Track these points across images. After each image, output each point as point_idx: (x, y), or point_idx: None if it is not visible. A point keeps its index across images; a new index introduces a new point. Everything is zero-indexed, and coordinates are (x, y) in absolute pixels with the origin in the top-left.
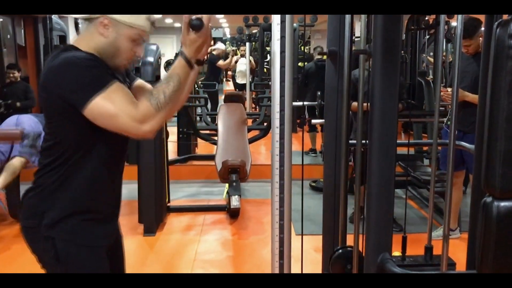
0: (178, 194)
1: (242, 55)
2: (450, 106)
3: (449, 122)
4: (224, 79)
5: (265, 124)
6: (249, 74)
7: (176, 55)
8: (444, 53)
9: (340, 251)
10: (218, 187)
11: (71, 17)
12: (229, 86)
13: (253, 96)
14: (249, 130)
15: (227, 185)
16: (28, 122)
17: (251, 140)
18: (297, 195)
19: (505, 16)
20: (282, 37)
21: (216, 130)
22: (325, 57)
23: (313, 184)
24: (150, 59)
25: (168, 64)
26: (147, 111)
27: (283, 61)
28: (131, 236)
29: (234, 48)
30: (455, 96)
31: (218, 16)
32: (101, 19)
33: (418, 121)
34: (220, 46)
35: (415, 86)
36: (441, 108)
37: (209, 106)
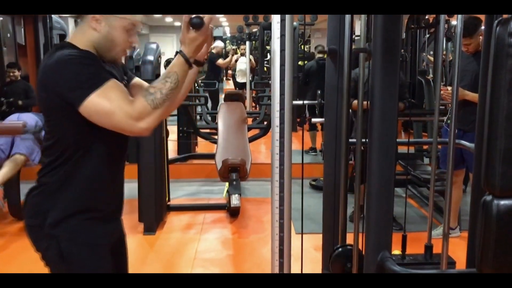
0: (178, 193)
1: (242, 54)
2: (450, 105)
3: (449, 121)
4: (224, 78)
5: (265, 123)
6: (249, 73)
7: (176, 53)
8: (444, 52)
9: (340, 249)
10: (218, 186)
11: (71, 16)
12: (229, 85)
13: (253, 95)
14: (249, 129)
15: (227, 184)
16: (30, 120)
17: (251, 139)
18: (297, 194)
19: (505, 15)
20: (282, 35)
21: (216, 129)
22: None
23: (313, 183)
24: (150, 57)
25: (168, 63)
26: (143, 108)
27: (283, 59)
28: (131, 235)
29: (234, 47)
30: (455, 95)
31: (218, 15)
32: (92, 14)
33: (418, 120)
34: (218, 44)
35: (415, 85)
36: (441, 107)
37: (209, 105)
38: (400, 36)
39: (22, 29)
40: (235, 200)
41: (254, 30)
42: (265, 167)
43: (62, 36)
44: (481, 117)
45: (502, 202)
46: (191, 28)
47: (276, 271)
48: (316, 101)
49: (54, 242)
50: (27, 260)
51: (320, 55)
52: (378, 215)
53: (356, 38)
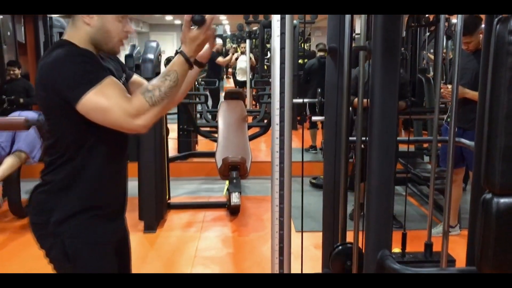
0: (179, 191)
1: (243, 52)
2: (450, 103)
3: (449, 119)
4: (225, 76)
5: (265, 121)
6: (249, 71)
7: (176, 53)
8: (445, 50)
9: (340, 247)
10: (219, 184)
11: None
12: (229, 83)
13: (254, 93)
14: (249, 127)
15: (227, 182)
16: (31, 117)
17: (251, 137)
18: (297, 192)
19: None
20: (282, 33)
21: (216, 127)
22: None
23: (313, 181)
24: (150, 56)
25: (169, 61)
26: (140, 105)
27: (283, 57)
28: (132, 233)
29: (234, 45)
30: (455, 93)
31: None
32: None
33: (418, 118)
34: (217, 41)
35: (416, 83)
36: (441, 105)
37: (210, 103)
38: (400, 34)
39: (22, 27)
40: (235, 198)
41: (254, 28)
42: (265, 165)
43: (62, 34)
44: (481, 115)
45: (502, 200)
46: (192, 26)
47: (276, 269)
48: (316, 99)
49: (58, 240)
50: (28, 257)
51: (322, 53)
52: (378, 213)
53: (356, 36)
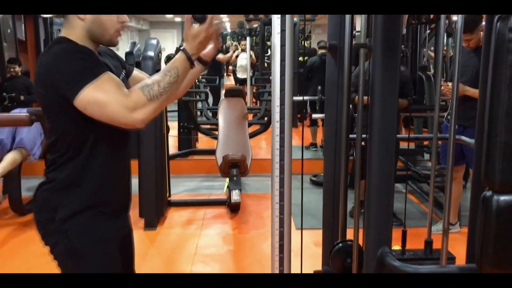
0: (179, 189)
1: (243, 50)
2: (450, 101)
3: (449, 117)
4: (225, 74)
5: (265, 118)
6: (249, 68)
7: (177, 50)
8: (445, 48)
9: (340, 245)
10: (219, 182)
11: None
12: (229, 81)
13: (254, 90)
14: (250, 124)
15: (227, 179)
16: None
17: (252, 135)
18: (297, 189)
19: None
20: (283, 30)
21: (216, 124)
22: None
23: (314, 178)
24: (151, 53)
25: (169, 58)
26: (138, 99)
27: (283, 55)
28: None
29: (235, 43)
30: (455, 91)
31: None
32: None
33: (418, 115)
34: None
35: (416, 80)
36: (441, 103)
37: (211, 100)
38: (401, 32)
39: (23, 25)
40: (235, 196)
41: (255, 25)
42: (266, 163)
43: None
44: (482, 112)
45: (502, 197)
46: (193, 23)
47: (277, 266)
48: (316, 97)
49: (62, 237)
50: (30, 254)
51: (323, 51)
52: (378, 210)
53: (356, 34)
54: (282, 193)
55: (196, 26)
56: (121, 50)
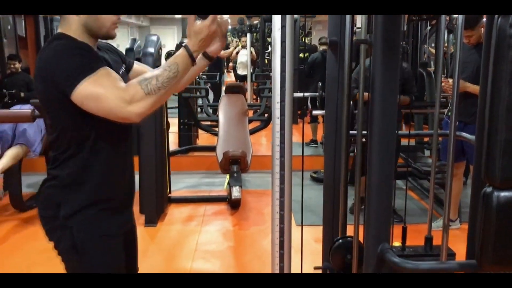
0: (179, 185)
1: (243, 46)
2: (451, 97)
3: (450, 113)
4: (225, 70)
5: (266, 115)
6: (250, 65)
7: (178, 46)
8: (446, 44)
9: (340, 241)
10: (219, 178)
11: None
12: (230, 77)
13: (254, 87)
14: (250, 121)
15: (228, 176)
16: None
17: (252, 131)
18: (298, 186)
19: None
20: (283, 27)
21: (217, 121)
22: None
23: (314, 175)
24: (151, 50)
25: (169, 55)
26: (135, 92)
27: (284, 51)
28: None
29: (236, 39)
30: (456, 87)
31: None
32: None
33: (419, 112)
34: None
35: (417, 77)
36: (442, 99)
37: (212, 97)
38: (401, 28)
39: (23, 21)
40: (236, 192)
41: (255, 22)
42: (266, 159)
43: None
44: (482, 108)
45: (503, 193)
46: (196, 19)
47: (277, 262)
48: (317, 93)
49: (67, 232)
50: (31, 250)
51: (324, 47)
52: (378, 207)
53: (357, 30)
54: (282, 190)
55: (199, 22)
56: (122, 46)
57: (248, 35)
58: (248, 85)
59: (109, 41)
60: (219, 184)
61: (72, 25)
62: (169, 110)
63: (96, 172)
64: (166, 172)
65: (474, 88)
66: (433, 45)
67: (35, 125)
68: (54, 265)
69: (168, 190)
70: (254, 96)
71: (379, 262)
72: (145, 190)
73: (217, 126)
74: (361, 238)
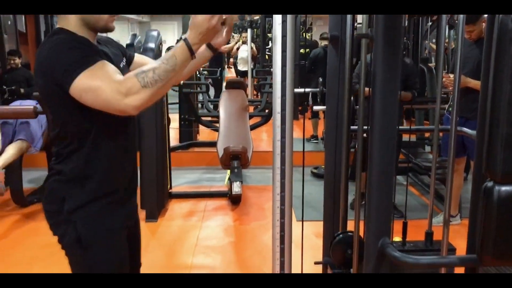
0: (180, 181)
1: (244, 42)
2: (452, 93)
3: (450, 109)
4: (226, 66)
5: (266, 110)
6: (250, 61)
7: (178, 42)
8: (447, 40)
9: (341, 236)
10: (220, 174)
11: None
12: (230, 73)
13: (255, 82)
14: (251, 116)
15: (228, 171)
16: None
17: (253, 127)
18: (298, 181)
19: None
20: (284, 21)
21: (217, 116)
22: None
23: (315, 170)
24: (151, 45)
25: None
26: (131, 85)
27: (285, 45)
28: None
29: (237, 35)
30: (457, 82)
31: None
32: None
33: (420, 107)
34: None
35: (418, 72)
36: (443, 95)
37: (213, 92)
38: (402, 23)
39: (23, 17)
40: (236, 188)
41: (256, 17)
42: (267, 155)
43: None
44: (483, 103)
45: (504, 188)
46: None
47: (277, 257)
48: (318, 89)
49: (71, 227)
50: (32, 245)
51: (326, 42)
52: (379, 202)
53: (358, 26)
54: (283, 184)
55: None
56: (122, 42)
57: (249, 30)
58: (249, 81)
59: (109, 35)
60: (220, 180)
61: (70, 20)
62: (170, 106)
63: (99, 167)
64: (167, 167)
65: (475, 84)
66: (434, 40)
67: (35, 121)
68: (55, 260)
69: (169, 186)
70: (255, 92)
71: (380, 257)
72: (146, 185)
73: (217, 121)
74: (361, 233)
